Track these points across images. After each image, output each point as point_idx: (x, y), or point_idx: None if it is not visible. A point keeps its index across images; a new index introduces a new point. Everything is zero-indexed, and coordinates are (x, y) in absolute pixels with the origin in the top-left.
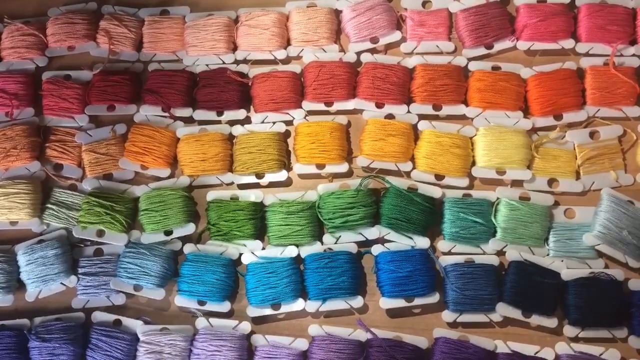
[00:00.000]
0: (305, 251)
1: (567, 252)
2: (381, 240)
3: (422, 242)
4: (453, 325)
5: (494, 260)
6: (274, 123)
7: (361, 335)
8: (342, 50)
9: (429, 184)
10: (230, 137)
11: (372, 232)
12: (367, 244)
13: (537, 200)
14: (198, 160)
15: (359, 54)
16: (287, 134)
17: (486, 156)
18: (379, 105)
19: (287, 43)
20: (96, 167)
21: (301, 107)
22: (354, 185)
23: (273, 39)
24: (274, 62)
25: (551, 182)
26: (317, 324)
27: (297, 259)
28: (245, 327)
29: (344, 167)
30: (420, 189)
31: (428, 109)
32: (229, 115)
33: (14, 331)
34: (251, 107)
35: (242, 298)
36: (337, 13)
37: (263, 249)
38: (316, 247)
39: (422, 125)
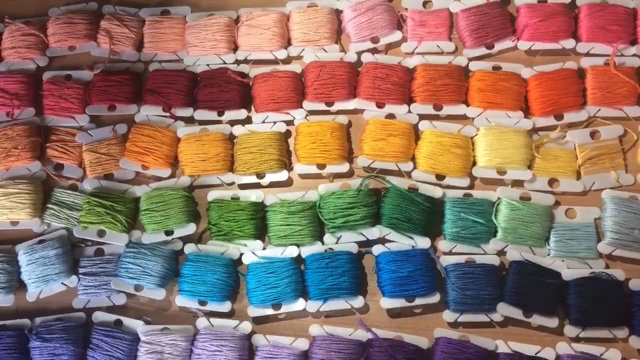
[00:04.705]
0: (306, 251)
1: (568, 252)
2: (382, 240)
3: (423, 242)
4: (454, 325)
5: (495, 260)
6: (274, 123)
7: (362, 335)
8: (343, 50)
9: (430, 184)
10: (231, 137)
11: (373, 232)
12: (367, 244)
13: (538, 200)
14: (199, 160)
15: (359, 53)
16: (287, 133)
17: (487, 156)
18: (380, 105)
19: (288, 43)
20: (97, 167)
21: (302, 107)
22: (355, 185)
23: (274, 39)
24: (274, 62)
25: (552, 182)
26: (318, 324)
27: (298, 259)
28: (246, 327)
29: (344, 167)
30: (421, 189)
31: (429, 109)
32: (229, 115)
33: (15, 331)
34: (252, 107)
35: (243, 298)
36: (338, 13)
37: (264, 249)
38: (317, 247)
39: (423, 125)
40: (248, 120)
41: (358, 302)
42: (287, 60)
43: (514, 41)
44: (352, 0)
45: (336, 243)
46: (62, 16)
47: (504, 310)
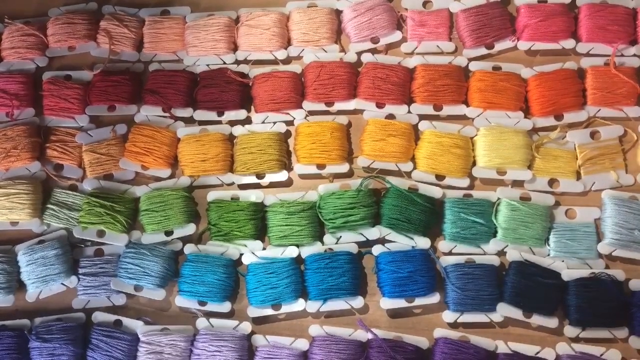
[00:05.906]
0: (306, 251)
1: (568, 252)
2: (382, 241)
3: (423, 243)
4: (454, 325)
5: (495, 261)
6: (274, 123)
7: (362, 335)
8: (343, 50)
9: (430, 184)
10: (231, 138)
11: (373, 233)
12: (367, 244)
13: (538, 201)
14: (198, 161)
15: (359, 54)
16: (287, 134)
17: (487, 156)
18: (380, 106)
19: (288, 43)
20: (96, 167)
21: (302, 107)
22: (355, 185)
23: (273, 39)
24: (274, 62)
25: (552, 182)
26: (318, 324)
27: (298, 259)
28: (246, 327)
29: (344, 168)
30: (420, 189)
31: (429, 109)
32: (229, 115)
33: (15, 331)
34: (252, 107)
35: (243, 298)
36: (338, 13)
37: (264, 249)
38: (317, 248)
39: (423, 125)
40: (248, 121)
41: (358, 302)
42: (287, 61)
43: (514, 41)
44: (352, 0)
45: (336, 243)
46: (62, 16)
47: (503, 310)
